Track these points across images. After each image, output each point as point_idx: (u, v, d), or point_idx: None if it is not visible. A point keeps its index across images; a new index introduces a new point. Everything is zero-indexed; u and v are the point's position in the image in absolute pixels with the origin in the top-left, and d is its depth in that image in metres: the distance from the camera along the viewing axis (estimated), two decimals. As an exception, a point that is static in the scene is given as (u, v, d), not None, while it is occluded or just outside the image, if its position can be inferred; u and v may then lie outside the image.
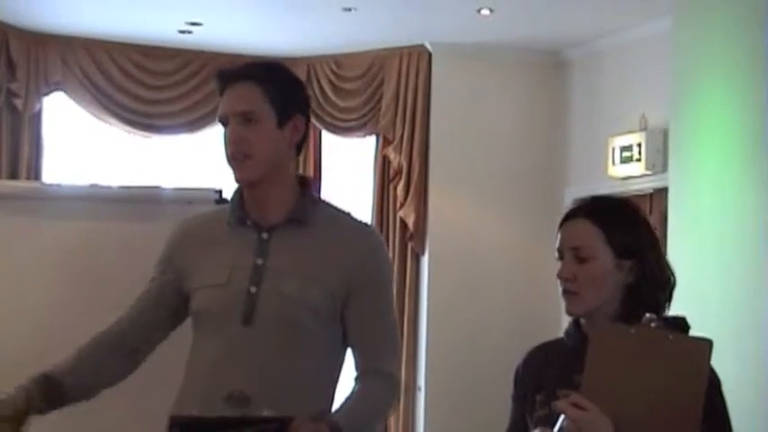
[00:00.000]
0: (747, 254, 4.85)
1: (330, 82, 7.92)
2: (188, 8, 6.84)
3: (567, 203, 3.01)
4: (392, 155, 7.73)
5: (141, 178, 7.34)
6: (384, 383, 2.49)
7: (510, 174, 7.63)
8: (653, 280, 2.15)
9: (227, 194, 2.82)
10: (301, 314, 2.41)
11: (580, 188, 7.08)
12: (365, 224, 2.59)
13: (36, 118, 7.43)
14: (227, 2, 6.69)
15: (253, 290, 2.42)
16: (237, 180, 2.49)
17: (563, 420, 1.91)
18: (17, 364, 3.41)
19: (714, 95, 5.16)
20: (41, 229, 3.56)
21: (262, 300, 2.42)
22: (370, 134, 7.93)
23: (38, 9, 6.92)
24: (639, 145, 6.58)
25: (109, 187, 4.10)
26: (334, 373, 2.53)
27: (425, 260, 7.68)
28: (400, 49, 7.68)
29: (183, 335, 2.57)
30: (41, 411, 2.39)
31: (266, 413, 2.22)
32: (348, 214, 2.63)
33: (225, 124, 2.47)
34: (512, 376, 2.32)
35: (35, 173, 7.35)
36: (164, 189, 3.86)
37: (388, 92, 7.75)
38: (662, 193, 6.11)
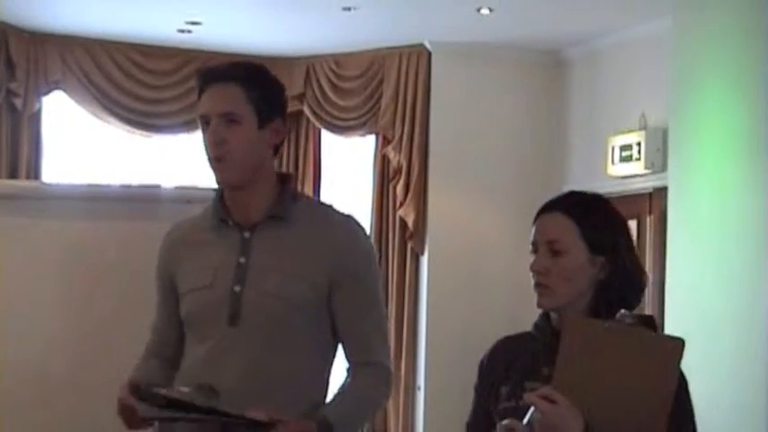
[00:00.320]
0: (747, 252, 4.85)
1: (330, 81, 7.93)
2: (187, 7, 6.84)
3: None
4: (392, 154, 7.73)
5: (141, 177, 7.33)
6: (375, 374, 2.50)
7: (509, 173, 7.63)
8: (625, 277, 2.14)
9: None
10: (286, 310, 2.42)
11: (580, 187, 7.01)
12: (346, 216, 2.58)
13: (35, 117, 7.43)
14: (227, 1, 6.69)
15: (237, 289, 2.43)
16: (218, 182, 2.49)
17: (532, 413, 1.91)
18: (17, 363, 3.41)
19: (714, 94, 5.16)
20: (41, 229, 3.56)
21: (246, 298, 2.43)
22: (370, 133, 7.93)
23: (37, 8, 6.92)
24: (639, 144, 6.58)
25: (108, 186, 4.09)
26: (325, 366, 2.53)
27: (425, 259, 7.69)
28: (400, 48, 7.68)
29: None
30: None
31: (252, 414, 2.23)
32: (329, 207, 2.64)
33: (206, 124, 2.46)
34: None
35: (35, 172, 7.36)
36: (163, 188, 3.86)
37: (387, 91, 7.75)
38: (661, 192, 6.12)
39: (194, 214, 2.63)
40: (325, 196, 8.05)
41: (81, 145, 7.75)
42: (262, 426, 2.23)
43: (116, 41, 7.59)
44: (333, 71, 7.93)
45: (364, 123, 7.87)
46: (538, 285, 2.15)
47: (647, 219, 6.74)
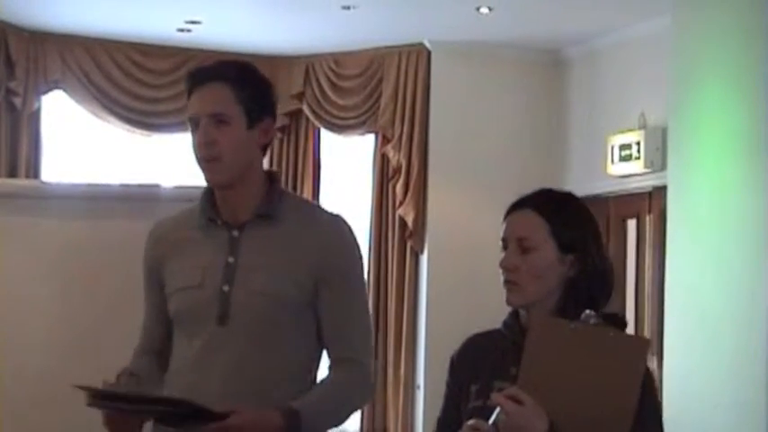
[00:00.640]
0: (746, 251, 4.85)
1: (329, 80, 7.92)
2: (187, 7, 6.84)
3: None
4: (391, 153, 7.73)
5: (140, 177, 7.33)
6: (353, 371, 2.50)
7: (509, 172, 7.62)
8: (594, 276, 2.14)
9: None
10: (273, 308, 2.43)
11: (579, 186, 7.07)
12: (332, 214, 2.58)
13: (35, 116, 7.43)
14: (227, 0, 6.69)
15: (225, 289, 2.44)
16: (208, 182, 2.49)
17: (498, 413, 1.91)
18: (15, 361, 3.41)
19: (713, 93, 5.16)
20: (40, 228, 3.56)
21: (234, 298, 2.43)
22: (369, 132, 7.93)
23: (37, 7, 6.92)
24: (638, 143, 6.58)
25: (108, 185, 4.10)
26: (312, 365, 2.53)
27: (424, 258, 7.69)
28: (399, 47, 7.68)
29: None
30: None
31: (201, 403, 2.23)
32: (316, 206, 2.65)
33: (195, 125, 2.46)
34: None
35: (34, 171, 7.36)
36: (163, 187, 3.86)
37: (387, 90, 7.75)
38: (661, 191, 6.11)
39: (179, 212, 2.63)
40: (325, 195, 8.06)
41: (80, 144, 7.75)
42: (215, 416, 2.23)
43: (116, 40, 7.59)
44: (332, 70, 7.93)
45: (364, 122, 7.87)
46: (507, 282, 2.15)
47: (647, 218, 6.74)
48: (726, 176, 5.02)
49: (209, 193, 2.53)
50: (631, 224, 6.96)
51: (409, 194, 7.64)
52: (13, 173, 7.18)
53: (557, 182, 7.50)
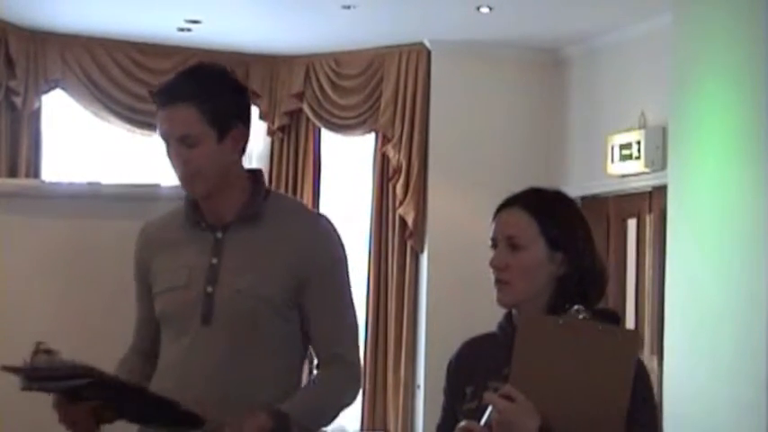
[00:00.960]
0: (746, 250, 4.85)
1: (329, 80, 7.92)
2: (187, 6, 6.84)
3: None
4: (391, 153, 7.73)
5: (140, 176, 7.33)
6: (340, 369, 2.50)
7: (509, 171, 7.62)
8: (585, 273, 2.13)
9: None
10: (257, 308, 2.43)
11: (579, 186, 7.08)
12: (315, 213, 2.60)
13: (35, 116, 7.43)
14: (227, 0, 6.68)
15: (209, 290, 2.45)
16: (189, 194, 2.52)
17: (490, 412, 1.91)
18: (15, 361, 3.41)
19: (713, 92, 5.16)
20: (40, 227, 3.56)
21: (218, 298, 2.44)
22: (370, 132, 7.93)
23: (37, 7, 6.92)
24: (639, 143, 6.58)
25: (108, 185, 4.10)
26: (297, 365, 2.54)
27: (424, 258, 7.69)
28: (399, 46, 7.68)
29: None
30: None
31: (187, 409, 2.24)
32: (300, 205, 2.68)
33: (166, 143, 2.48)
34: None
35: (34, 170, 7.36)
36: (163, 187, 3.86)
37: (387, 90, 7.75)
38: (661, 190, 6.11)
39: (168, 211, 2.64)
40: (325, 195, 8.06)
41: (80, 143, 7.75)
42: (200, 420, 2.23)
43: (116, 40, 7.59)
44: (332, 70, 7.93)
45: (364, 122, 7.87)
46: (497, 281, 2.15)
47: (647, 217, 6.73)
48: (726, 176, 5.02)
49: (192, 196, 2.55)
50: (631, 224, 6.96)
51: (409, 194, 7.64)
52: (13, 172, 7.18)
53: (557, 181, 7.50)
